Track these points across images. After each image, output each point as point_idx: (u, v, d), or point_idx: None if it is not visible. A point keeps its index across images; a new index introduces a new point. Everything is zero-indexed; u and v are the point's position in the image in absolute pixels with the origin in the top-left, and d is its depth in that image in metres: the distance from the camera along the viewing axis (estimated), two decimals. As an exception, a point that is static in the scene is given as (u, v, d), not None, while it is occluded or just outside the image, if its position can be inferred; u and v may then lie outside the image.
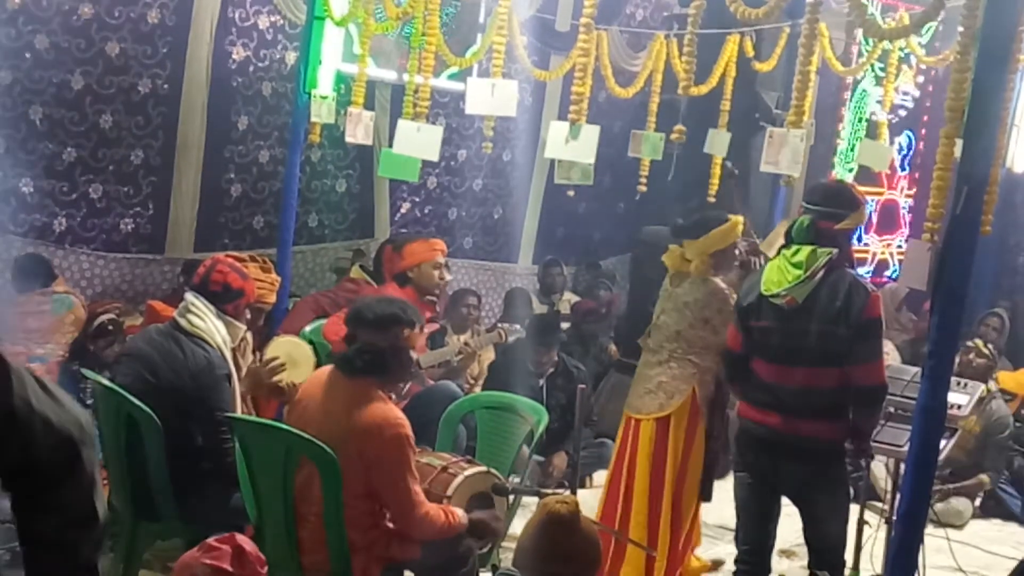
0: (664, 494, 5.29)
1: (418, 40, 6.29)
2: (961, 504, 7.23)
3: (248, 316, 4.86)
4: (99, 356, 6.08)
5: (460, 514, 4.30)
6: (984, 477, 7.37)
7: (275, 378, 4.86)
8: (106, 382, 4.67)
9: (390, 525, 4.21)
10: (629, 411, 5.47)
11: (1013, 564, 5.12)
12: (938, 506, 6.72)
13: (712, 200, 7.58)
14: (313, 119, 6.96)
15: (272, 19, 8.19)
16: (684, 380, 5.31)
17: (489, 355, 7.54)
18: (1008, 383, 8.24)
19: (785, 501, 4.93)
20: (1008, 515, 7.48)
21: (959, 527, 6.94)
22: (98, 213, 7.65)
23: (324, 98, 6.92)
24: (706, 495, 5.44)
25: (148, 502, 4.56)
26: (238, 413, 4.61)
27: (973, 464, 7.36)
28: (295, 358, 5.16)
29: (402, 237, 7.23)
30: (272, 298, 5.15)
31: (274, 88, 8.31)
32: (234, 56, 8.07)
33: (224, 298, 4.69)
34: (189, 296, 4.70)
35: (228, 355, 4.67)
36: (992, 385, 7.60)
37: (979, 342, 7.58)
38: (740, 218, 5.49)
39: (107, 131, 7.56)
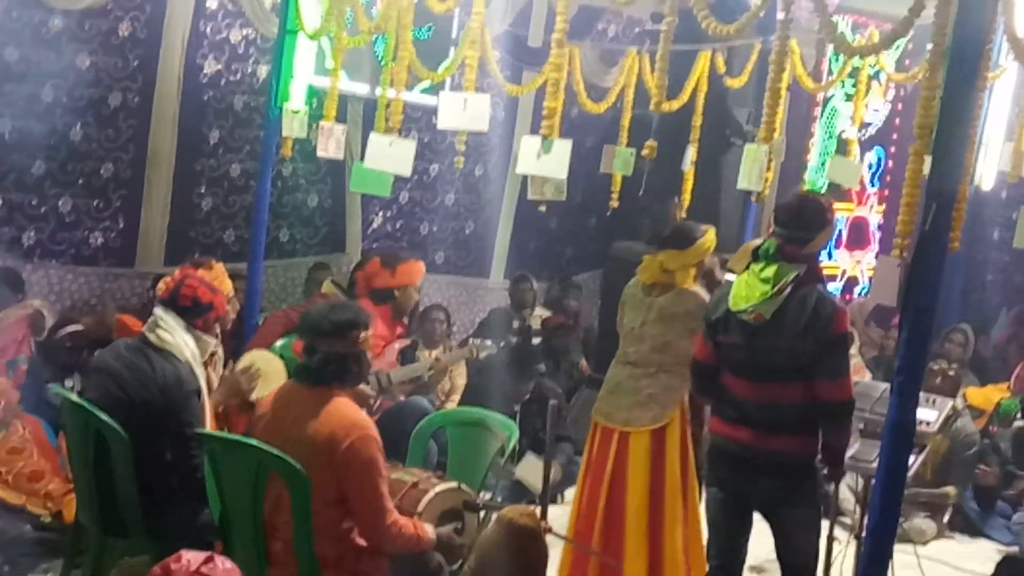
0: (667, 503, 5.34)
1: (390, 54, 6.29)
2: (924, 524, 7.24)
3: (218, 330, 4.84)
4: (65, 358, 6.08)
5: (429, 529, 4.30)
6: (950, 489, 7.40)
7: (249, 387, 4.85)
8: (74, 397, 4.64)
9: (360, 541, 4.20)
10: (613, 423, 5.45)
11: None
12: (902, 522, 6.74)
13: (683, 217, 7.61)
14: (285, 133, 6.94)
15: (244, 32, 8.18)
16: (676, 391, 5.37)
17: (460, 370, 7.52)
18: (976, 399, 8.30)
19: (757, 516, 4.93)
20: (975, 531, 7.51)
21: (922, 544, 6.95)
22: (68, 226, 7.60)
23: (296, 112, 6.90)
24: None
25: (116, 518, 4.52)
26: (207, 429, 4.59)
27: (939, 482, 7.38)
28: (267, 373, 5.13)
29: (390, 255, 7.19)
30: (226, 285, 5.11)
31: (246, 102, 8.29)
32: (206, 69, 8.05)
33: (193, 313, 4.66)
34: (158, 311, 4.67)
35: (198, 370, 4.64)
36: (959, 403, 7.63)
37: (943, 363, 7.58)
38: (714, 230, 5.56)
39: (77, 144, 7.52)
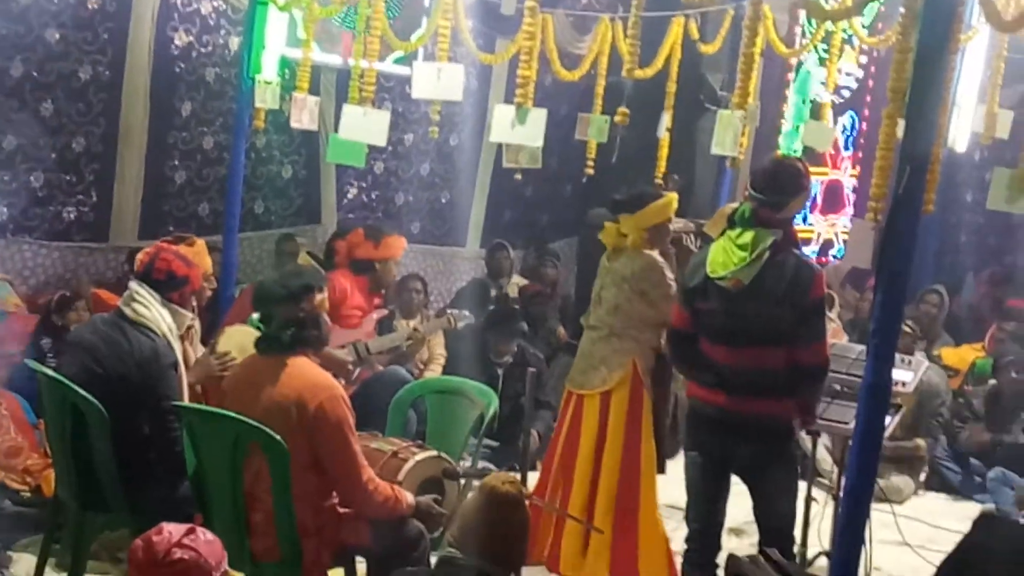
0: (604, 469, 5.33)
1: (363, 24, 6.26)
2: (902, 482, 7.32)
3: (194, 303, 4.83)
4: (68, 328, 6.07)
5: (407, 495, 4.31)
6: (920, 442, 7.47)
7: (221, 372, 4.84)
8: (51, 372, 4.62)
9: (340, 510, 4.21)
10: (572, 387, 5.52)
11: (958, 537, 5.21)
12: (879, 481, 6.80)
13: (659, 182, 7.62)
14: (258, 104, 6.91)
15: (215, 4, 8.10)
16: (624, 354, 5.36)
17: (438, 340, 7.53)
18: (950, 359, 8.38)
19: (735, 479, 4.97)
20: (951, 489, 7.59)
21: (899, 503, 7.02)
22: (40, 202, 7.54)
23: (268, 83, 6.87)
24: (659, 468, 5.47)
25: (95, 493, 4.51)
26: (185, 402, 4.58)
27: (908, 436, 7.44)
28: (246, 347, 5.13)
29: (374, 227, 7.20)
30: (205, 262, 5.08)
31: (218, 74, 8.22)
32: (176, 42, 7.98)
33: (169, 286, 4.65)
34: (133, 285, 4.65)
35: (175, 344, 4.63)
36: (920, 356, 7.69)
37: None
38: (675, 195, 5.53)
39: (48, 119, 7.44)
